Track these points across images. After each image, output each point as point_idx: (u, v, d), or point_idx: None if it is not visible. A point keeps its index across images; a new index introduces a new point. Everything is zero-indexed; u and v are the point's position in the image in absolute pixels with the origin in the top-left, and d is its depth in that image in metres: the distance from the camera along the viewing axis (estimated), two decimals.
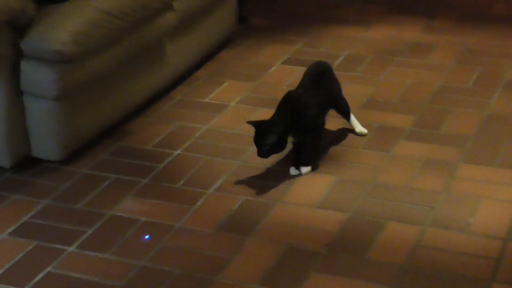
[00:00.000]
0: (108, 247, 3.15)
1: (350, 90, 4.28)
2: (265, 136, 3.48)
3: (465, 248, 3.10)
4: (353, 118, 3.90)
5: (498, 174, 3.56)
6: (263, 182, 3.55)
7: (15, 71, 3.54)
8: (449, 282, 2.93)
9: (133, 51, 3.91)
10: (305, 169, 3.61)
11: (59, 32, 3.50)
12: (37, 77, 3.53)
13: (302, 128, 3.59)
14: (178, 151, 3.81)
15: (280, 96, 4.22)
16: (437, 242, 3.14)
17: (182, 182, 3.58)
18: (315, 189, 3.50)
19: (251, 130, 3.93)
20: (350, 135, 3.89)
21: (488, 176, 3.55)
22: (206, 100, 4.28)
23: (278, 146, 3.51)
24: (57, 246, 3.18)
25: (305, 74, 3.76)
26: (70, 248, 3.16)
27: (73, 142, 3.74)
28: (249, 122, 3.55)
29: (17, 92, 3.57)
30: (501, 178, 3.54)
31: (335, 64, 4.59)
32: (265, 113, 4.09)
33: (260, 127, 3.51)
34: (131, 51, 3.89)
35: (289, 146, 3.56)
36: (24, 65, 3.54)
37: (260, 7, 5.45)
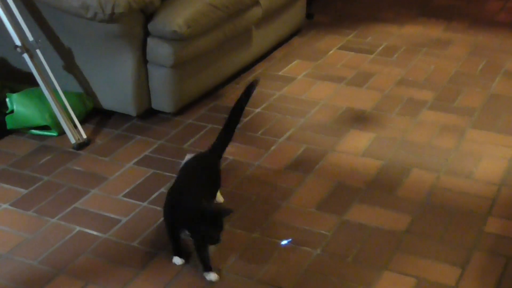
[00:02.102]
0: None
1: (387, 71, 4.25)
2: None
3: (470, 190, 3.06)
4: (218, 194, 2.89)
5: (496, 138, 3.49)
6: (321, 135, 3.53)
7: (143, 46, 3.55)
8: (456, 215, 2.90)
9: (229, 34, 3.89)
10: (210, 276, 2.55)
11: (176, 18, 3.50)
12: (159, 50, 3.53)
13: None
14: (258, 110, 3.80)
15: (336, 73, 4.22)
16: (449, 185, 3.11)
17: (261, 132, 3.58)
18: (359, 142, 3.46)
19: (314, 96, 3.93)
20: (386, 102, 3.84)
21: (489, 139, 3.48)
22: (280, 73, 4.26)
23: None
24: (168, 173, 3.21)
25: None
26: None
27: (182, 99, 3.74)
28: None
29: (143, 61, 3.58)
30: (499, 140, 3.46)
31: (376, 52, 4.54)
32: (323, 85, 4.08)
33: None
34: (227, 34, 3.87)
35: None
36: (150, 42, 3.54)
37: (323, 7, 5.39)
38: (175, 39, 3.50)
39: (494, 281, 2.51)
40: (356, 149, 3.40)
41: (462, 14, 5.26)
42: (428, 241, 2.74)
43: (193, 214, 2.45)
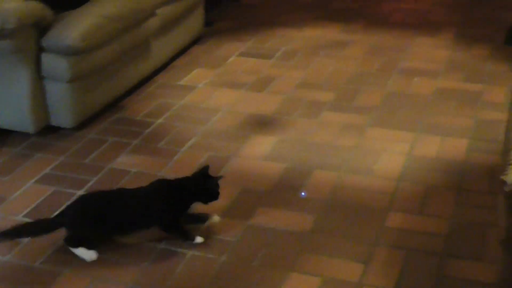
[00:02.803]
0: None
1: (287, 75, 4.29)
2: None
3: (371, 187, 3.12)
4: None
5: (394, 134, 3.57)
6: (223, 142, 3.53)
7: (38, 61, 3.48)
8: (359, 211, 2.95)
9: (127, 46, 3.86)
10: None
11: (70, 32, 3.44)
12: (54, 65, 3.47)
13: None
14: (160, 120, 3.77)
15: (237, 79, 4.24)
16: (350, 183, 3.16)
17: (163, 142, 3.55)
18: (262, 146, 3.48)
19: (216, 103, 3.93)
20: (288, 105, 3.88)
21: (387, 136, 3.56)
22: (181, 83, 4.24)
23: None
24: (70, 190, 3.14)
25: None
26: (79, 192, 3.12)
27: (82, 113, 3.68)
28: None
29: (39, 77, 3.50)
30: (396, 137, 3.55)
31: (276, 56, 4.58)
32: (224, 92, 4.09)
33: None
34: (125, 46, 3.84)
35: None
36: (45, 57, 3.47)
37: (222, 14, 5.41)
38: (71, 53, 3.45)
39: (396, 274, 2.56)
40: (259, 154, 3.42)
41: (358, 15, 5.37)
42: (332, 239, 2.78)
43: (201, 185, 2.78)
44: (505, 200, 2.11)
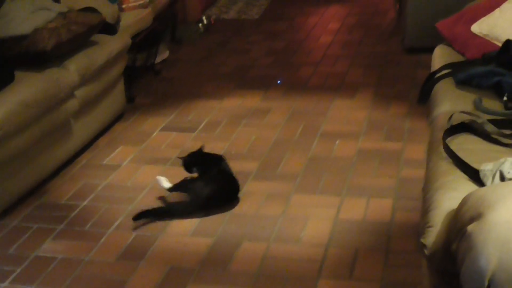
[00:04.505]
0: (34, 281, 3.03)
1: (210, 147, 4.27)
2: None
3: (299, 256, 3.12)
4: None
5: (320, 199, 3.60)
6: (149, 220, 3.49)
7: None
8: (288, 282, 2.94)
9: (46, 129, 3.81)
10: None
11: None
12: None
13: None
14: (85, 203, 3.71)
15: (161, 154, 4.22)
16: (279, 253, 3.15)
17: (88, 225, 3.48)
18: (188, 222, 3.44)
19: (141, 181, 3.90)
20: None
21: (313, 202, 3.58)
22: (105, 162, 4.19)
23: None
24: None
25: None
26: (3, 284, 3.02)
27: (3, 201, 3.59)
28: None
29: None
30: (322, 202, 3.57)
31: (199, 129, 4.58)
32: (148, 168, 4.05)
33: None
34: (44, 129, 3.79)
35: None
36: None
37: (143, 89, 5.41)
38: None
39: None
40: (186, 229, 3.38)
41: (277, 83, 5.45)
42: None
43: None
44: (427, 263, 2.13)
